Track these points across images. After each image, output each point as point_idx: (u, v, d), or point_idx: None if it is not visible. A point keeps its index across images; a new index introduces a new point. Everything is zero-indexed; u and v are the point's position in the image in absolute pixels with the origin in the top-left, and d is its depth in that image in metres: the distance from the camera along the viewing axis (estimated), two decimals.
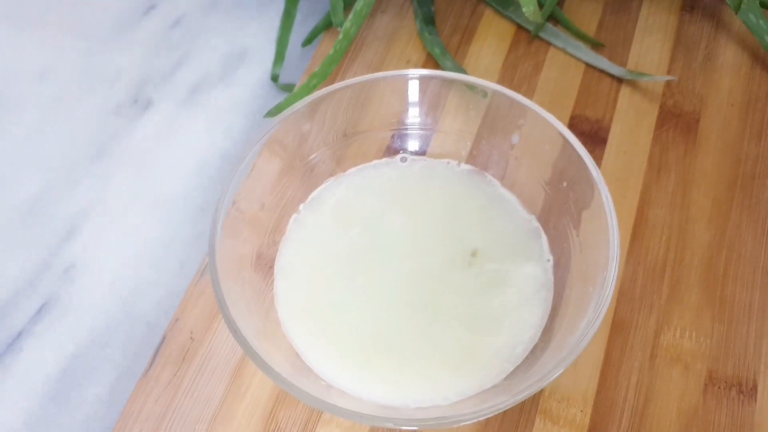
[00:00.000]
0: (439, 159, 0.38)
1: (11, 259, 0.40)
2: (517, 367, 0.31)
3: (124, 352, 0.37)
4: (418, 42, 0.46)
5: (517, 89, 0.39)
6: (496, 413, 0.26)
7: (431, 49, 0.44)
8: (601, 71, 0.44)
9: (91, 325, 0.38)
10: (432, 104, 0.37)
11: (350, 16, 0.43)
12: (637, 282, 0.37)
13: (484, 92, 0.35)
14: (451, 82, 0.36)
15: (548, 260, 0.34)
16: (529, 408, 0.34)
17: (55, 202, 0.42)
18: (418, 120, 0.37)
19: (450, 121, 0.37)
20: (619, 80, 0.44)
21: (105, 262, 0.40)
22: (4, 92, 0.47)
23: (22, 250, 0.40)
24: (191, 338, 0.36)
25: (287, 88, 0.46)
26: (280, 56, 0.46)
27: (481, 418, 0.27)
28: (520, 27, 0.47)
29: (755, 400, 0.34)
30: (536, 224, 0.35)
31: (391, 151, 0.38)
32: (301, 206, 0.36)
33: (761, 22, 0.43)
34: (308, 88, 0.40)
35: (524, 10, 0.41)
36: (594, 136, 0.42)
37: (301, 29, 0.48)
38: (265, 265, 0.35)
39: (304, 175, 0.36)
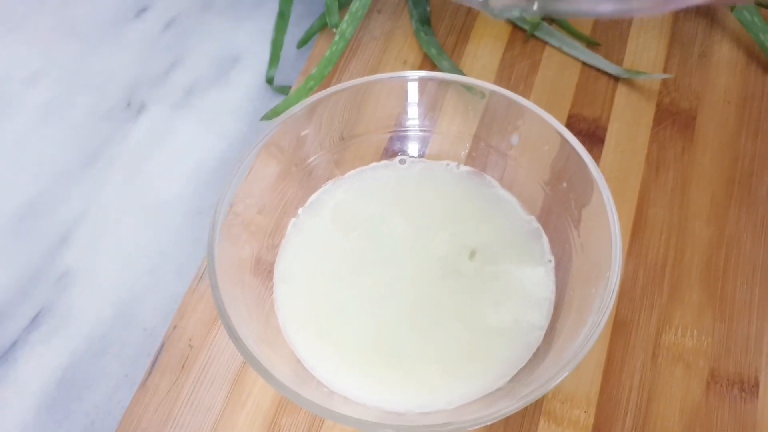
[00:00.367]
0: (437, 161, 0.37)
1: (4, 267, 0.40)
2: (521, 370, 0.31)
3: (121, 361, 0.37)
4: (415, 42, 0.46)
5: (514, 89, 0.39)
6: (500, 418, 0.26)
7: (428, 49, 0.44)
8: (598, 70, 0.44)
9: (87, 333, 0.37)
10: (430, 106, 0.36)
11: (346, 17, 0.42)
12: (638, 281, 0.37)
13: (482, 93, 0.35)
14: (449, 83, 0.36)
15: (549, 261, 0.34)
16: (532, 410, 0.34)
17: (47, 209, 0.42)
18: (416, 122, 0.37)
19: (448, 123, 0.37)
20: (616, 79, 0.44)
21: (100, 268, 0.40)
22: None
23: (15, 258, 0.40)
24: (190, 345, 0.35)
25: (283, 90, 0.46)
26: (275, 58, 0.46)
27: (486, 424, 0.26)
28: (515, 26, 0.46)
29: (757, 398, 0.34)
30: (536, 225, 0.35)
31: (390, 153, 0.38)
32: (300, 210, 0.36)
33: (756, 19, 0.43)
34: (305, 90, 0.40)
35: None
36: (592, 136, 0.42)
37: (295, 30, 0.48)
38: (264, 269, 0.34)
39: (302, 179, 0.36)
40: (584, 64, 0.44)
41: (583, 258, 0.33)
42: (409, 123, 0.37)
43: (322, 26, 0.46)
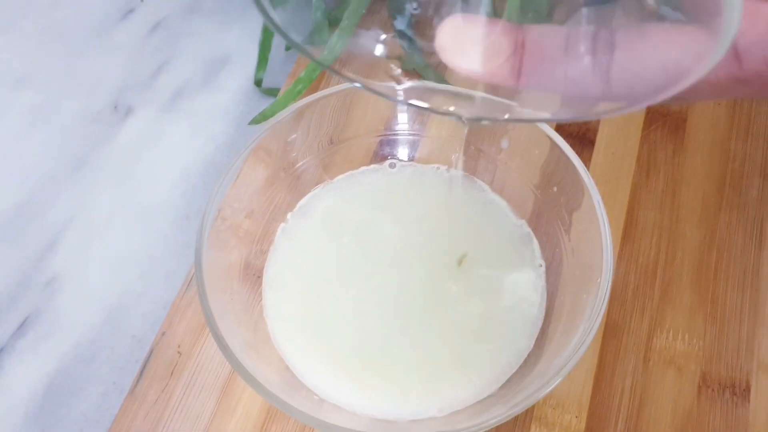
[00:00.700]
0: (428, 165, 0.37)
1: None
2: (512, 376, 0.31)
3: (110, 367, 0.36)
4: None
5: None
6: (492, 427, 0.26)
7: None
8: None
9: (75, 339, 0.37)
10: (419, 109, 0.36)
11: (336, 32, 0.42)
12: (629, 284, 0.37)
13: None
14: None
15: (540, 265, 0.34)
16: (524, 415, 0.33)
17: (34, 214, 0.41)
18: (406, 125, 0.37)
19: (438, 126, 0.37)
20: None
21: (88, 274, 0.39)
22: None
23: (2, 263, 0.39)
24: (179, 352, 0.35)
25: (271, 92, 0.45)
26: (263, 60, 0.45)
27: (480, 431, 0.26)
28: None
29: (749, 402, 0.34)
30: (527, 229, 0.35)
31: (379, 157, 0.37)
32: (289, 215, 0.36)
33: None
34: (293, 94, 0.40)
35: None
36: (582, 138, 0.41)
37: None
38: (253, 275, 0.34)
39: (291, 184, 0.36)
40: None
41: (574, 262, 0.32)
42: (398, 126, 0.37)
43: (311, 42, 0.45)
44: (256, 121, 0.41)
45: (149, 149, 0.44)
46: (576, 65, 0.20)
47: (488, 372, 0.31)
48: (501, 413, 0.26)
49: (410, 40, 0.25)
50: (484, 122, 0.23)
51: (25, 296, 0.38)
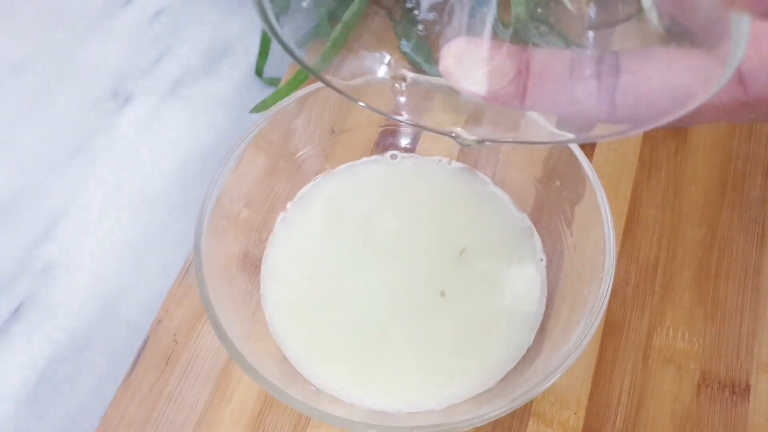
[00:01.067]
0: (429, 156, 0.37)
1: None
2: (511, 371, 0.31)
3: (104, 355, 0.36)
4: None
5: None
6: (490, 421, 0.26)
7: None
8: None
9: (70, 326, 0.37)
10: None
11: (338, 27, 0.41)
12: (630, 282, 0.37)
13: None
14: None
15: (541, 260, 0.34)
16: (521, 411, 0.33)
17: (32, 200, 0.41)
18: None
19: None
20: None
21: (84, 261, 0.39)
22: None
23: None
24: (175, 341, 0.34)
25: (272, 82, 0.45)
26: (264, 49, 0.45)
27: (476, 426, 0.26)
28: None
29: (748, 401, 0.34)
30: (528, 223, 0.35)
31: (380, 147, 0.37)
32: (289, 204, 0.36)
33: None
34: (295, 83, 0.39)
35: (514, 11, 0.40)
36: None
37: None
38: (251, 264, 0.34)
39: (291, 173, 0.36)
40: None
41: (576, 257, 0.32)
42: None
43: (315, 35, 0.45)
44: (257, 109, 0.41)
45: (148, 137, 0.44)
46: (581, 88, 0.20)
47: (487, 366, 0.31)
48: (499, 407, 0.26)
49: (415, 62, 0.25)
50: (487, 143, 0.23)
51: (21, 282, 0.38)
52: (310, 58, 0.30)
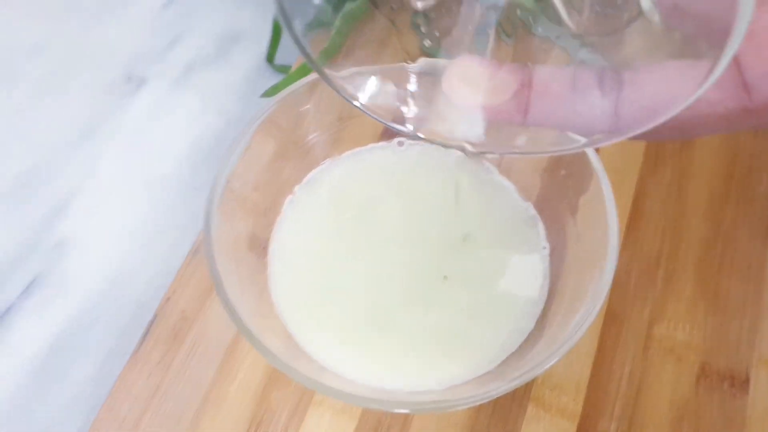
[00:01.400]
0: (435, 144, 0.37)
1: (1, 233, 0.39)
2: (511, 355, 0.31)
3: (113, 331, 0.37)
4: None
5: None
6: (490, 399, 0.26)
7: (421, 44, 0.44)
8: None
9: (80, 302, 0.37)
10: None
11: (340, 15, 0.42)
12: (632, 274, 0.37)
13: None
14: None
15: (544, 248, 0.34)
16: (521, 395, 0.34)
17: (45, 179, 0.42)
18: None
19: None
20: None
21: (96, 239, 0.39)
22: None
23: (12, 226, 0.40)
24: (183, 317, 0.35)
25: (283, 69, 0.45)
26: (276, 37, 0.46)
27: (475, 404, 0.26)
28: None
29: (747, 394, 0.34)
30: (533, 212, 0.35)
31: (388, 134, 0.38)
32: (297, 188, 0.36)
33: None
34: (305, 69, 0.40)
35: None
36: None
37: None
38: (259, 246, 0.34)
39: (299, 157, 0.36)
40: None
41: (579, 247, 0.33)
42: None
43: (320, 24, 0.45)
44: (267, 94, 0.41)
45: (160, 121, 0.44)
46: (584, 101, 0.20)
47: (488, 349, 0.31)
48: (498, 386, 0.26)
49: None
50: (490, 155, 0.24)
51: (34, 258, 0.39)
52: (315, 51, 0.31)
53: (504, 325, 0.32)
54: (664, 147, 0.41)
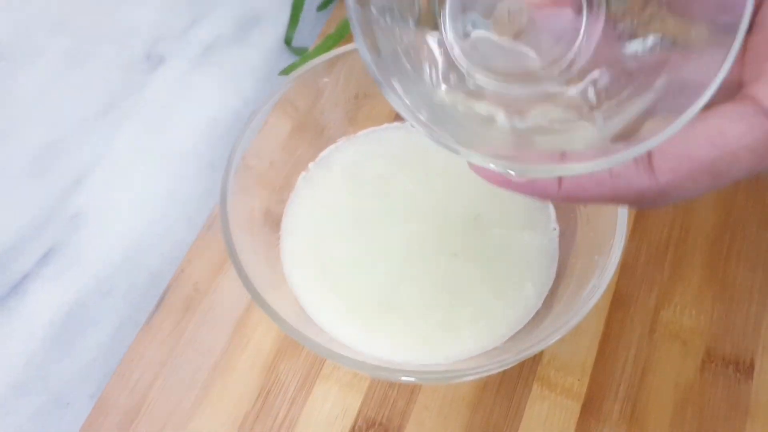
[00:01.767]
0: None
1: (20, 204, 0.40)
2: (519, 332, 0.32)
3: (127, 302, 0.37)
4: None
5: None
6: (496, 371, 0.27)
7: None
8: None
9: (95, 272, 0.38)
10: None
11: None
12: (640, 258, 0.37)
13: None
14: None
15: (554, 229, 0.34)
16: (527, 374, 0.34)
17: (64, 152, 0.42)
18: None
19: None
20: None
21: (112, 212, 0.40)
22: (18, 43, 0.47)
23: (30, 197, 0.40)
24: (196, 289, 0.36)
25: (300, 51, 0.46)
26: (294, 20, 0.46)
27: (482, 375, 0.27)
28: None
29: (752, 379, 0.34)
30: None
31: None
32: (311, 165, 0.37)
33: None
34: (323, 49, 0.40)
35: None
36: None
37: None
38: (272, 221, 0.35)
39: (314, 135, 0.37)
40: None
41: (588, 228, 0.33)
42: None
43: None
44: (285, 72, 0.42)
45: (178, 99, 0.45)
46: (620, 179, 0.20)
47: (496, 326, 0.32)
48: (504, 359, 0.26)
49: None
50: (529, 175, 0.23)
51: (51, 228, 0.39)
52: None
53: (512, 302, 0.32)
54: None
